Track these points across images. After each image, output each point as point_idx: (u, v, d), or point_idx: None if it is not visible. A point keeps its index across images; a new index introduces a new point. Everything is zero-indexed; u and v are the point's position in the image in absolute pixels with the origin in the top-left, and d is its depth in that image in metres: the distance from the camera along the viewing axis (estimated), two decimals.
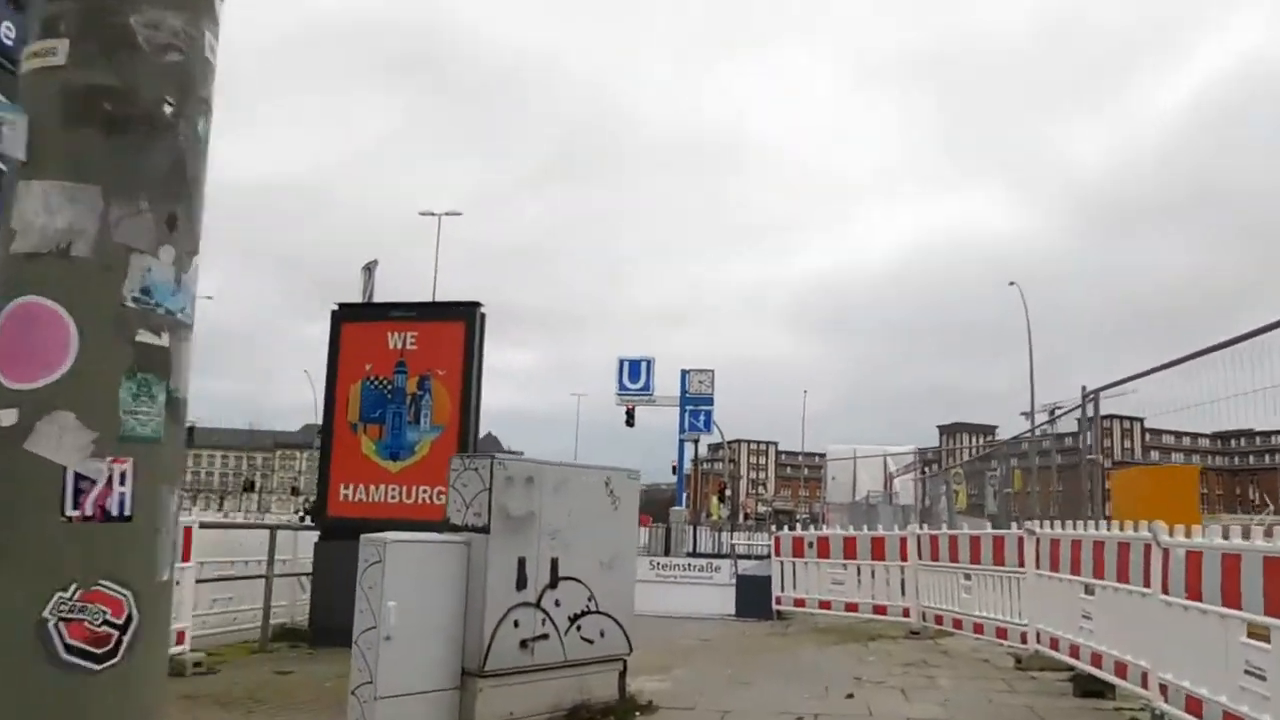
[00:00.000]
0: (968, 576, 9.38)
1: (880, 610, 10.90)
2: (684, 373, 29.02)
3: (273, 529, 9.18)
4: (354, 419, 9.17)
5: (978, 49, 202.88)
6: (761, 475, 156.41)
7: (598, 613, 6.07)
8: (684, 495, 29.88)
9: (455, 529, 5.65)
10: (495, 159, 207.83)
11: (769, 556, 15.64)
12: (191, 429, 68.29)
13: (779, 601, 12.13)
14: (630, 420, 32.63)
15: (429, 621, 5.29)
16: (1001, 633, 8.53)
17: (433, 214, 46.96)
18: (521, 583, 5.62)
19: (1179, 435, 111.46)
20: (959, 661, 8.52)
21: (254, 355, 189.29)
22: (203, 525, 7.97)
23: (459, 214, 48.82)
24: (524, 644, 5.59)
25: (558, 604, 5.81)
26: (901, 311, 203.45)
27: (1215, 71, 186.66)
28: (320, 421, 10.64)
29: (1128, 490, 9.72)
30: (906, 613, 10.60)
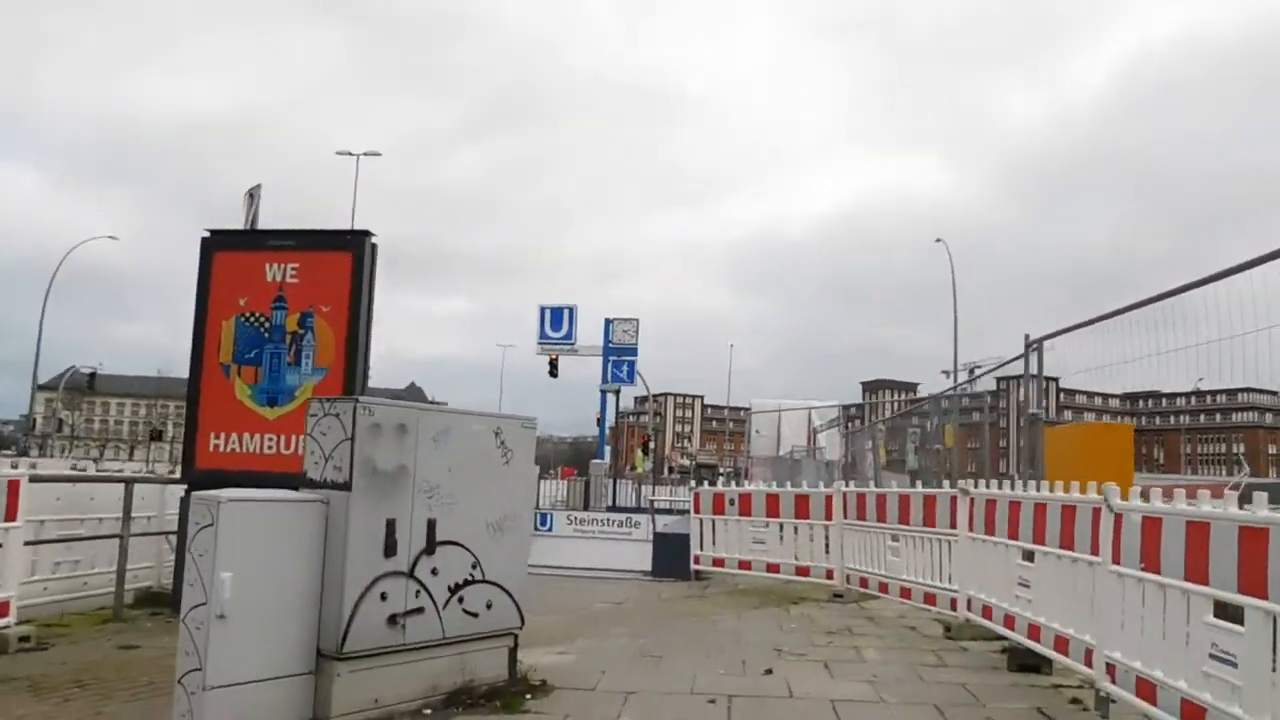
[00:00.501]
0: (895, 538, 8.84)
1: (803, 572, 10.36)
2: (607, 322, 28.22)
3: (128, 482, 8.14)
4: (226, 359, 8.15)
5: (918, 7, 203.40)
6: (687, 429, 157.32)
7: (484, 582, 5.28)
8: (605, 448, 29.23)
9: (313, 485, 4.80)
10: (430, 102, 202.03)
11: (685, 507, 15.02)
12: (92, 375, 64.90)
13: (698, 561, 11.53)
14: (553, 371, 31.77)
15: (276, 595, 4.44)
16: (930, 599, 8.02)
17: (350, 154, 45.17)
18: (391, 549, 4.80)
19: (1090, 395, 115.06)
20: (885, 630, 7.98)
21: (179, 301, 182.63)
22: (35, 479, 6.91)
23: (378, 154, 47.09)
24: (393, 620, 4.78)
25: (435, 572, 5.01)
26: (835, 270, 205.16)
27: (1149, 39, 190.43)
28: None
29: (1059, 448, 9.26)
30: (830, 575, 10.08)
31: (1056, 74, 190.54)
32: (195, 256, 8.33)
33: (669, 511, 19.42)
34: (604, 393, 28.07)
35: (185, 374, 8.40)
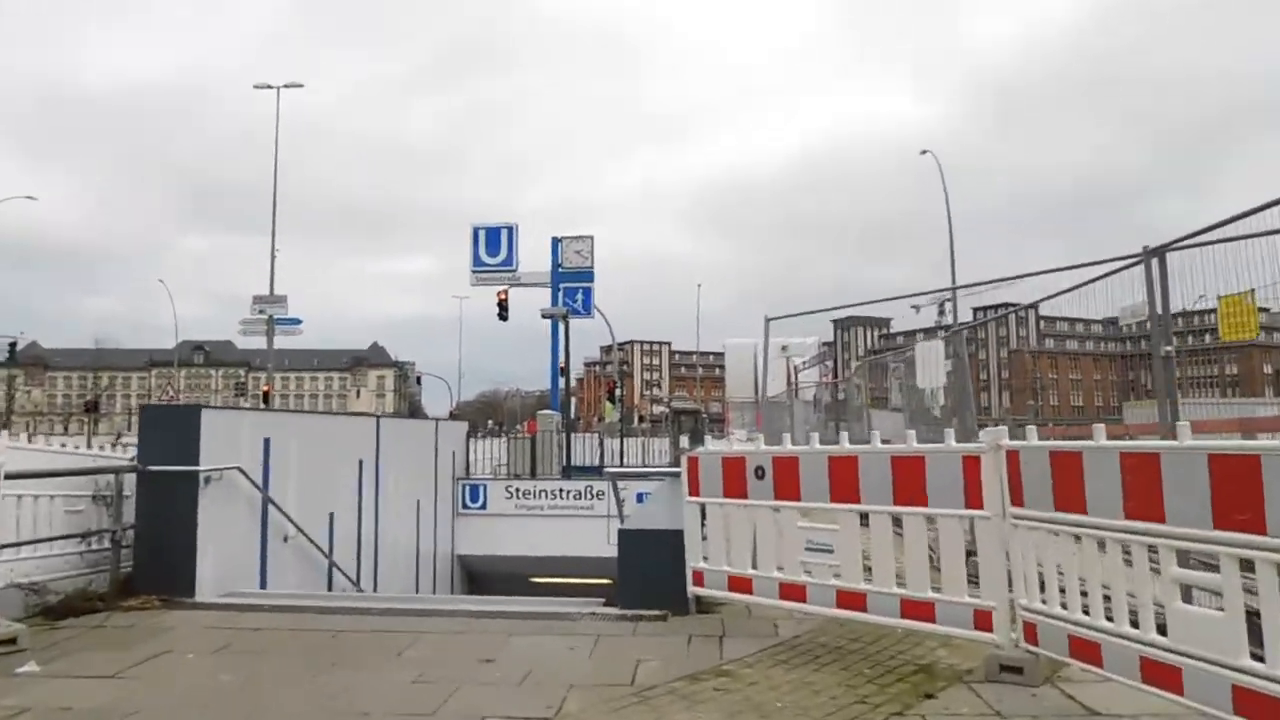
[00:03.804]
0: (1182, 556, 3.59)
1: (918, 612, 5.09)
2: (555, 241, 22.66)
3: None
4: None
5: None
6: (655, 376, 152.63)
7: None
8: (558, 394, 23.59)
9: None
10: (384, 51, 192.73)
11: (670, 476, 10.06)
12: (13, 345, 58.53)
13: (699, 580, 6.26)
14: (503, 313, 26.29)
15: None
16: None
17: (269, 86, 39.37)
18: None
19: (1072, 321, 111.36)
20: None
21: (131, 270, 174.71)
22: None
23: (299, 85, 41.00)
24: None
25: None
26: (803, 207, 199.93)
27: None
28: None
29: None
30: (983, 620, 4.84)
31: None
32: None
33: (641, 475, 14.13)
34: (552, 321, 22.22)
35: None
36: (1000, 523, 4.79)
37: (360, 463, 11.68)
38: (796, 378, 25.94)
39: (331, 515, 10.70)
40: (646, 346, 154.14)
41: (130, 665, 5.32)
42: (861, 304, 11.31)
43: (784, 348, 15.74)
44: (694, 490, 6.31)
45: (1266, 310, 5.91)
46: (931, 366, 8.71)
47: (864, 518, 5.47)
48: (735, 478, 6.05)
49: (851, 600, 5.42)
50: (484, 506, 15.89)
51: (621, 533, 6.77)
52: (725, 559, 6.15)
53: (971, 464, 4.90)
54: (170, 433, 7.68)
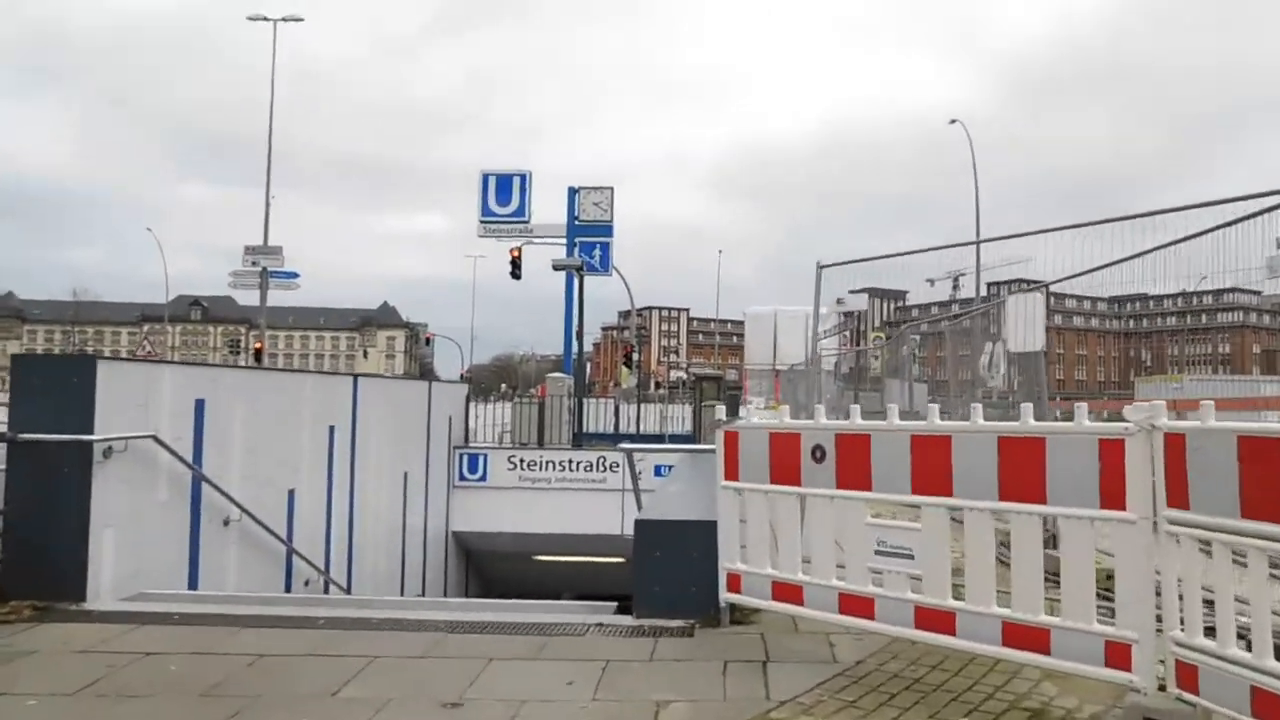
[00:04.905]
0: None
1: (1031, 642, 3.90)
2: (572, 192, 21.31)
3: None
4: None
5: None
6: (674, 343, 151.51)
7: None
8: (571, 355, 22.24)
9: None
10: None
11: (694, 452, 8.87)
12: None
13: (735, 586, 5.08)
14: (515, 271, 25.03)
15: None
16: None
17: (265, 19, 37.79)
18: None
19: (1079, 299, 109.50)
20: None
21: (118, 220, 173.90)
22: None
23: (299, 19, 39.38)
24: None
25: None
26: (827, 177, 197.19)
27: None
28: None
29: None
30: (1119, 655, 3.64)
31: None
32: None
33: (662, 449, 12.88)
34: (567, 275, 20.74)
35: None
36: (1148, 530, 3.59)
37: (331, 429, 10.19)
38: (817, 348, 24.85)
39: (291, 493, 9.20)
40: (664, 313, 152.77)
41: None
42: (921, 251, 10.07)
43: (839, 301, 14.42)
44: (731, 473, 5.11)
45: None
46: (1028, 325, 7.42)
47: (955, 513, 4.27)
48: (786, 459, 4.83)
49: (936, 620, 4.23)
50: (484, 478, 14.74)
51: (639, 524, 5.58)
52: (769, 560, 4.96)
53: (1111, 450, 3.68)
54: (52, 392, 5.99)
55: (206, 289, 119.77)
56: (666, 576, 5.43)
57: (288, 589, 8.96)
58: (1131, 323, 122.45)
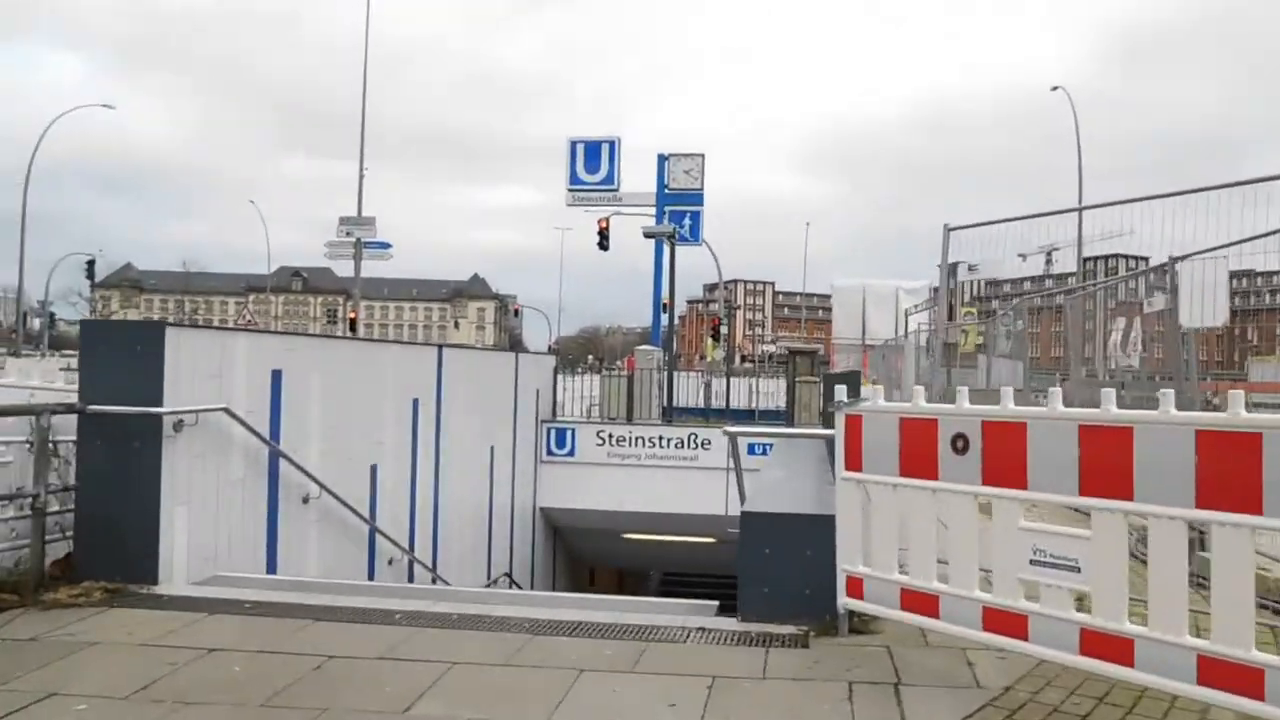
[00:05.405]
0: None
1: (1234, 680, 3.18)
2: (661, 159, 20.66)
3: None
4: None
5: None
6: (759, 316, 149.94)
7: None
8: (659, 328, 21.63)
9: None
10: None
11: (801, 433, 8.45)
12: (91, 263, 57.86)
13: (854, 590, 4.45)
14: (603, 243, 24.57)
15: None
16: None
17: None
18: None
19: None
20: None
21: (236, 194, 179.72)
22: None
23: None
24: None
25: None
26: (916, 149, 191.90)
27: None
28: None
29: None
30: None
31: None
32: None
33: (760, 429, 12.10)
34: (656, 244, 20.12)
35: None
36: None
37: (416, 402, 9.77)
38: (906, 323, 23.80)
39: (374, 468, 8.79)
40: (750, 286, 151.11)
41: None
42: (1060, 211, 9.27)
43: (971, 268, 13.43)
44: (854, 463, 4.45)
45: None
46: (1206, 296, 6.52)
47: (1138, 520, 3.55)
48: (920, 448, 4.16)
49: (1108, 647, 3.52)
50: (572, 454, 14.31)
51: (745, 516, 4.96)
52: (897, 564, 4.31)
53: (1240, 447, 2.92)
54: (120, 361, 5.63)
55: (307, 260, 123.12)
56: (776, 576, 4.82)
57: (371, 570, 8.62)
58: (1237, 299, 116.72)
